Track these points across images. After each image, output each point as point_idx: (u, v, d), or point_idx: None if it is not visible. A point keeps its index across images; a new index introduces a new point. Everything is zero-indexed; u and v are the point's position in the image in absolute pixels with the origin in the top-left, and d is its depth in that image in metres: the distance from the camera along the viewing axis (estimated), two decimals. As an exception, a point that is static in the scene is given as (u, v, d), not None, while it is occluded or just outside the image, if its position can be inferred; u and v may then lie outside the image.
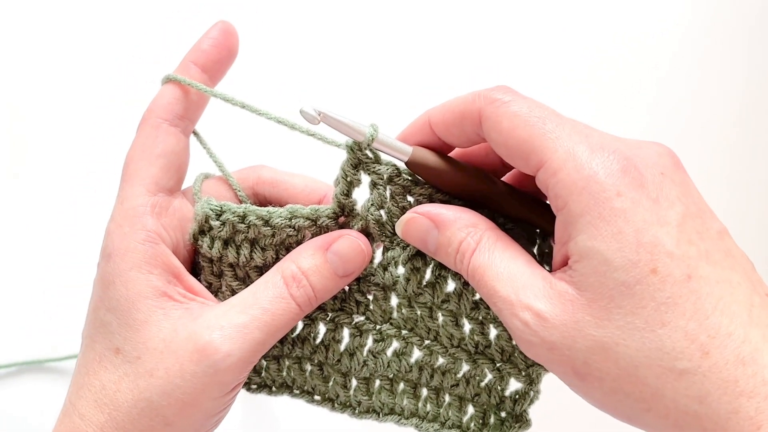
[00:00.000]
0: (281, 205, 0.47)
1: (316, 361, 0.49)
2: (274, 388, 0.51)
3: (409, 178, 0.44)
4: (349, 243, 0.45)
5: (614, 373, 0.36)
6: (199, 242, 0.47)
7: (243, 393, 0.50)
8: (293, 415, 0.77)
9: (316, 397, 0.50)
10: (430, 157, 0.43)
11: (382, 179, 0.44)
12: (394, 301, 0.47)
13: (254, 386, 0.51)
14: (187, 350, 0.42)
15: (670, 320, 0.35)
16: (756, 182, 0.94)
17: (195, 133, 0.49)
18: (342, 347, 0.48)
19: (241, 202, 0.49)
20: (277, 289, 0.44)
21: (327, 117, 0.42)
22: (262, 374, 0.50)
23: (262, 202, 0.50)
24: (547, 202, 0.45)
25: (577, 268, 0.37)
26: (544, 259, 0.44)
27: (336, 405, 0.50)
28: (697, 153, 0.93)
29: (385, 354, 0.48)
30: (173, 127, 0.46)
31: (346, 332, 0.48)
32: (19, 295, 0.77)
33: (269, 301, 0.43)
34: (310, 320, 0.48)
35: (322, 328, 0.49)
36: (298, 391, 0.50)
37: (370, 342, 0.48)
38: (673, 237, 0.36)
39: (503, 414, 0.48)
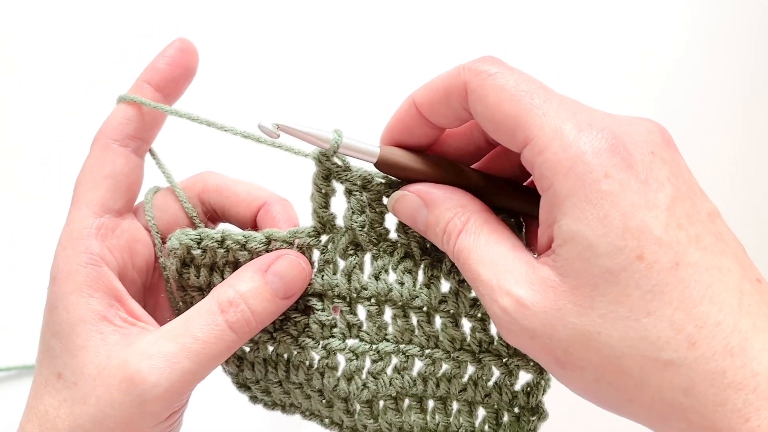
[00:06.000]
0: (225, 215, 0.47)
1: (315, 388, 0.48)
2: (286, 407, 0.51)
3: (383, 181, 0.43)
4: (289, 262, 0.44)
5: (596, 362, 0.35)
6: (184, 275, 0.46)
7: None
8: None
9: (325, 421, 0.50)
10: (398, 155, 0.42)
11: (356, 185, 0.43)
12: (387, 315, 0.46)
13: (269, 404, 0.51)
14: (117, 378, 0.41)
15: (655, 309, 0.34)
16: (758, 186, 0.92)
17: (151, 152, 0.48)
18: (339, 372, 0.47)
19: (189, 216, 0.48)
20: (210, 316, 0.43)
21: (287, 128, 0.41)
22: (271, 395, 0.50)
23: (209, 210, 0.49)
24: (525, 184, 0.44)
25: (560, 252, 0.36)
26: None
27: (344, 430, 0.49)
28: (699, 155, 0.92)
29: (386, 373, 0.46)
30: (123, 147, 0.45)
31: (341, 358, 0.47)
32: (20, 298, 0.77)
33: (201, 329, 0.42)
34: (300, 348, 0.47)
35: (315, 356, 0.47)
36: (308, 413, 0.50)
37: (368, 363, 0.46)
38: (661, 222, 0.35)
39: (517, 410, 0.46)
